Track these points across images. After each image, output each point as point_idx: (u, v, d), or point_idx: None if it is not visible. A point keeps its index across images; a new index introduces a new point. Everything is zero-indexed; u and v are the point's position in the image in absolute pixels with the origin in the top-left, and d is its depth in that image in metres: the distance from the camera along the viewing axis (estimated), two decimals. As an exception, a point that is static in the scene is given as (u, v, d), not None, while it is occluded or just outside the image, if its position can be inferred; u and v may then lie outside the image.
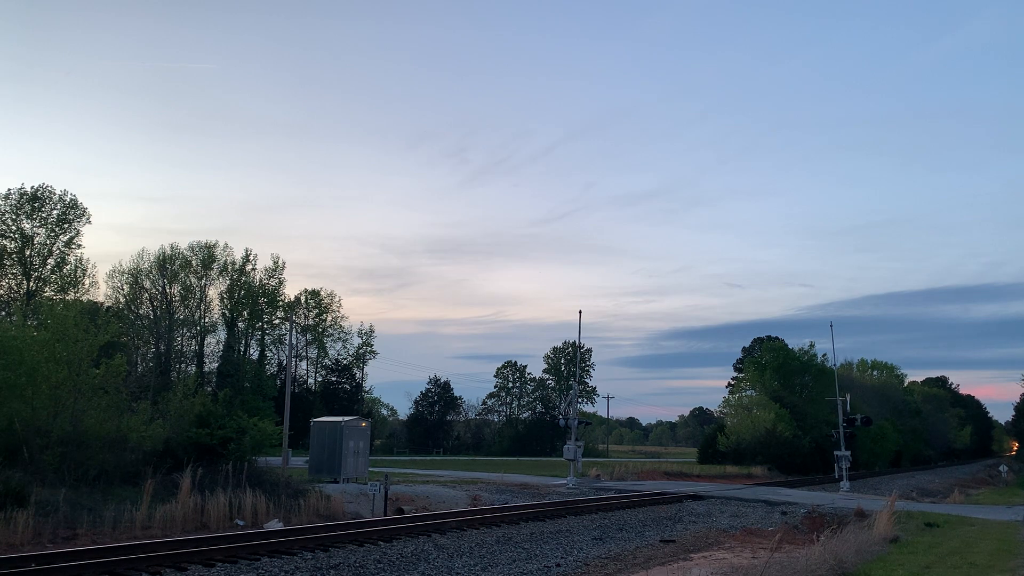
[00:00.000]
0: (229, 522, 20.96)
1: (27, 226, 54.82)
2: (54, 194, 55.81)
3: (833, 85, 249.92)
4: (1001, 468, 77.78)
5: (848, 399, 49.08)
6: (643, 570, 15.82)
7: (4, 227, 54.08)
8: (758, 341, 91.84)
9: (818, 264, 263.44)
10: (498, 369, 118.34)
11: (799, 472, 63.78)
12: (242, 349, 73.63)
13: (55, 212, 55.68)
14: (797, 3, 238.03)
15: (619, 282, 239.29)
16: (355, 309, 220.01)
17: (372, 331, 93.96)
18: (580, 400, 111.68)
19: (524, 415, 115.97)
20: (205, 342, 70.69)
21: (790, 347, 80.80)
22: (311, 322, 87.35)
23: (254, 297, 72.56)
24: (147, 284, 67.33)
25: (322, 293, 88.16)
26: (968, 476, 75.26)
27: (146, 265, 67.15)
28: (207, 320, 70.56)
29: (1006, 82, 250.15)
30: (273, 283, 74.88)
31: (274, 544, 16.00)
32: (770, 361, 77.98)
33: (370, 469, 34.32)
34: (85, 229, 56.90)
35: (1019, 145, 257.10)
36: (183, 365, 68.24)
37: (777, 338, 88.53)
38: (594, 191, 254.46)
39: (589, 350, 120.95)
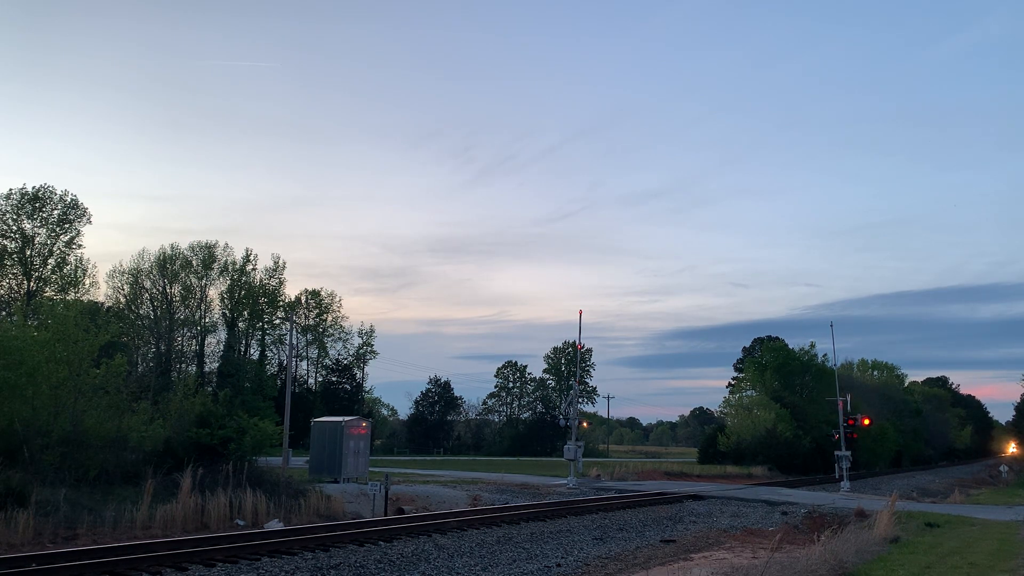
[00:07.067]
0: (229, 522, 20.97)
1: (28, 226, 54.79)
2: (55, 194, 55.78)
3: (837, 85, 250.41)
4: (1001, 468, 77.71)
5: (849, 399, 49.03)
6: (643, 570, 15.81)
7: (5, 227, 54.05)
8: (759, 341, 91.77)
9: (822, 264, 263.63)
10: (499, 369, 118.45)
11: (799, 472, 63.72)
12: (242, 349, 73.60)
13: (56, 212, 55.64)
14: (801, 2, 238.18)
15: (623, 282, 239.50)
16: (357, 309, 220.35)
17: (372, 331, 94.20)
18: (580, 400, 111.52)
19: (524, 415, 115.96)
20: (205, 342, 70.61)
21: (790, 347, 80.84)
22: (311, 322, 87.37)
23: (254, 297, 72.51)
24: (147, 284, 67.28)
25: (322, 293, 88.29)
26: (968, 476, 75.26)
27: (146, 265, 67.12)
28: (207, 320, 70.50)
29: (1011, 81, 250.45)
30: (273, 283, 74.91)
31: (274, 544, 16.02)
32: (770, 361, 77.94)
33: (370, 469, 34.33)
34: (86, 229, 56.92)
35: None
36: (183, 365, 68.13)
37: (777, 338, 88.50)
38: (598, 191, 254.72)
39: (589, 350, 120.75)
